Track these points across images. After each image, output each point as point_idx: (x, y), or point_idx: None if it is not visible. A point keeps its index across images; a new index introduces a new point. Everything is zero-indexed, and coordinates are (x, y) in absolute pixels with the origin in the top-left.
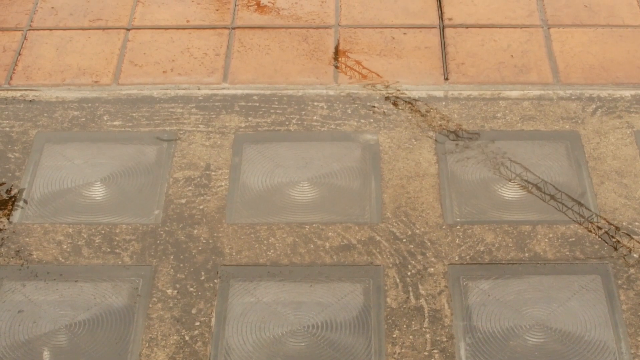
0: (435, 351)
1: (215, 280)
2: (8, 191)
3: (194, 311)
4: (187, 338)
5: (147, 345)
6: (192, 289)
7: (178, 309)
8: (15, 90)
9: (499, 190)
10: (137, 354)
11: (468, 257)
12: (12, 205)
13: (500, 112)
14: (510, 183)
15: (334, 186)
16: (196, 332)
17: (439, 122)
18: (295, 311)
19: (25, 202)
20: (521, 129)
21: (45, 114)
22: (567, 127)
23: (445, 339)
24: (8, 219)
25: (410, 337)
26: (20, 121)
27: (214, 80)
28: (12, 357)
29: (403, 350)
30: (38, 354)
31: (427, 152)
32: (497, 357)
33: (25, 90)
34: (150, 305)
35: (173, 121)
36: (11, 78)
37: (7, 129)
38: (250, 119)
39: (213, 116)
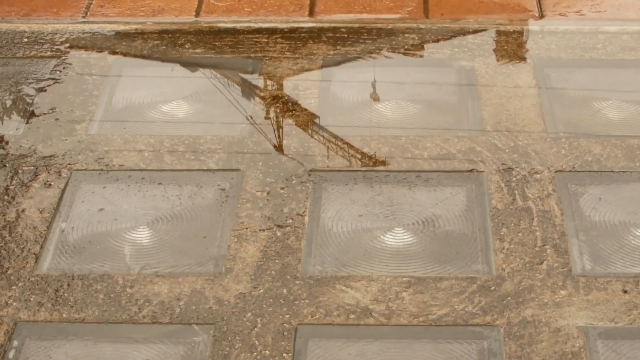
0: (546, 247)
1: (308, 184)
2: (85, 107)
3: (285, 210)
4: (278, 234)
5: (235, 240)
6: (282, 191)
7: (268, 208)
8: (92, 23)
9: (604, 109)
10: (226, 247)
11: (576, 165)
12: (90, 119)
13: (599, 44)
14: (614, 102)
15: (429, 103)
16: (288, 228)
17: (537, 52)
18: (394, 211)
19: (104, 116)
20: (622, 58)
21: (124, 43)
22: None
23: (557, 237)
24: (86, 131)
25: (519, 234)
26: (98, 49)
27: (299, 16)
28: (92, 251)
29: (512, 246)
30: (119, 248)
31: (526, 76)
32: (614, 255)
33: (103, 23)
34: (239, 205)
35: (258, 49)
36: (87, 14)
37: (85, 56)
38: (338, 47)
39: (300, 45)
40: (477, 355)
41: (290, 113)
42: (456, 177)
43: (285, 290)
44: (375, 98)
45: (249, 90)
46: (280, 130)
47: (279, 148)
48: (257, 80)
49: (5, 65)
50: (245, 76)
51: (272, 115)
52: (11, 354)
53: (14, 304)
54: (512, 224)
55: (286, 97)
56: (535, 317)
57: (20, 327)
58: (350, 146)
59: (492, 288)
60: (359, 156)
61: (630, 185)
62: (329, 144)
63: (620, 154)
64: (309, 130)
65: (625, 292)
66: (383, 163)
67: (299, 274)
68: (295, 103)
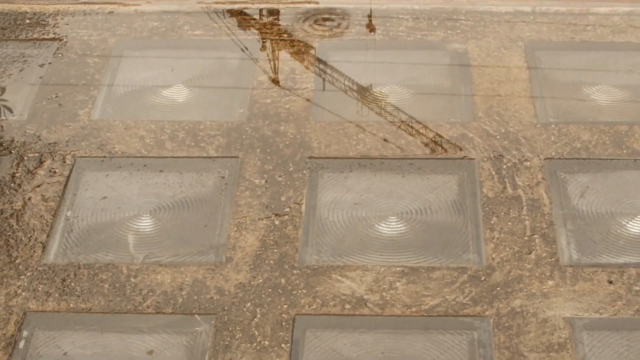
0: (535, 236)
1: (304, 171)
2: (87, 92)
3: (283, 198)
4: (277, 222)
5: (235, 229)
6: (280, 178)
7: (267, 196)
8: (93, 3)
9: (593, 94)
10: (225, 236)
11: (565, 152)
12: (92, 104)
13: (590, 25)
14: (603, 86)
15: (422, 88)
16: (286, 217)
17: (528, 33)
18: (388, 199)
19: (105, 101)
20: (612, 41)
21: (124, 24)
22: None
23: (545, 226)
24: (88, 116)
25: (509, 223)
26: (99, 30)
27: None
28: (96, 239)
29: (502, 236)
30: (122, 237)
31: (517, 59)
32: (600, 244)
33: (103, 3)
34: (238, 193)
35: (255, 31)
36: None
37: (86, 38)
38: (334, 29)
39: (296, 26)
40: (467, 345)
41: (287, 98)
42: (448, 165)
43: (283, 280)
44: (371, 29)
45: (246, 73)
46: (277, 116)
47: (275, 134)
48: (255, 61)
49: (9, 48)
50: (243, 56)
51: (269, 100)
52: (21, 344)
53: (23, 293)
54: (502, 213)
55: (282, 83)
56: (524, 308)
57: (30, 317)
58: (345, 133)
59: (483, 278)
60: (354, 142)
61: (617, 172)
62: (326, 130)
63: (608, 141)
64: (305, 116)
65: (610, 282)
66: (377, 150)
67: (296, 263)
68: (291, 88)
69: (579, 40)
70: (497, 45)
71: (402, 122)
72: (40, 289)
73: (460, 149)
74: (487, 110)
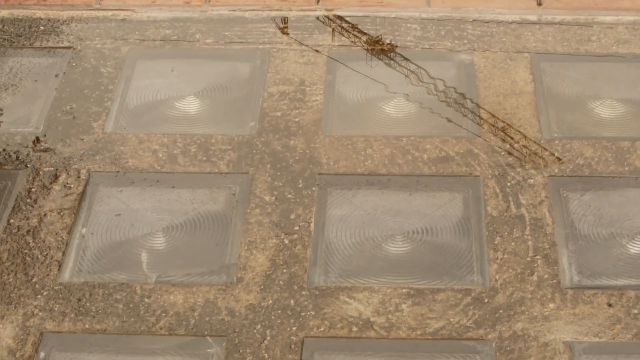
0: (537, 257)
1: (313, 188)
2: (101, 103)
3: (292, 216)
4: (286, 241)
5: (246, 248)
6: (290, 195)
7: (276, 214)
8: (106, 9)
9: (596, 108)
10: (236, 256)
11: (568, 170)
12: (106, 116)
13: (594, 35)
14: (606, 100)
15: (430, 102)
16: (295, 236)
17: (534, 44)
18: (395, 218)
19: (119, 113)
20: (616, 52)
21: (137, 32)
22: None
23: (547, 246)
24: (102, 129)
25: (512, 243)
26: (112, 39)
27: (306, 2)
28: (111, 257)
29: (505, 256)
30: (136, 255)
31: (523, 71)
32: (600, 265)
33: (116, 10)
34: (249, 211)
35: (266, 39)
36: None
37: (99, 46)
38: (343, 38)
39: (306, 35)
40: None
41: (297, 111)
42: (454, 182)
43: (292, 302)
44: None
45: (257, 85)
46: (287, 129)
47: (285, 148)
48: (264, 72)
49: (24, 56)
50: (255, 66)
51: (279, 113)
52: None
53: (40, 313)
54: (506, 233)
55: (291, 95)
56: (525, 332)
57: (46, 338)
58: (354, 148)
59: (486, 300)
60: (362, 158)
61: (618, 191)
62: (334, 145)
63: (610, 157)
64: (315, 130)
65: (609, 305)
66: (385, 166)
67: (305, 284)
68: (300, 100)
69: (583, 51)
70: (502, 56)
71: (493, 125)
72: (56, 309)
73: (560, 160)
74: (492, 126)
